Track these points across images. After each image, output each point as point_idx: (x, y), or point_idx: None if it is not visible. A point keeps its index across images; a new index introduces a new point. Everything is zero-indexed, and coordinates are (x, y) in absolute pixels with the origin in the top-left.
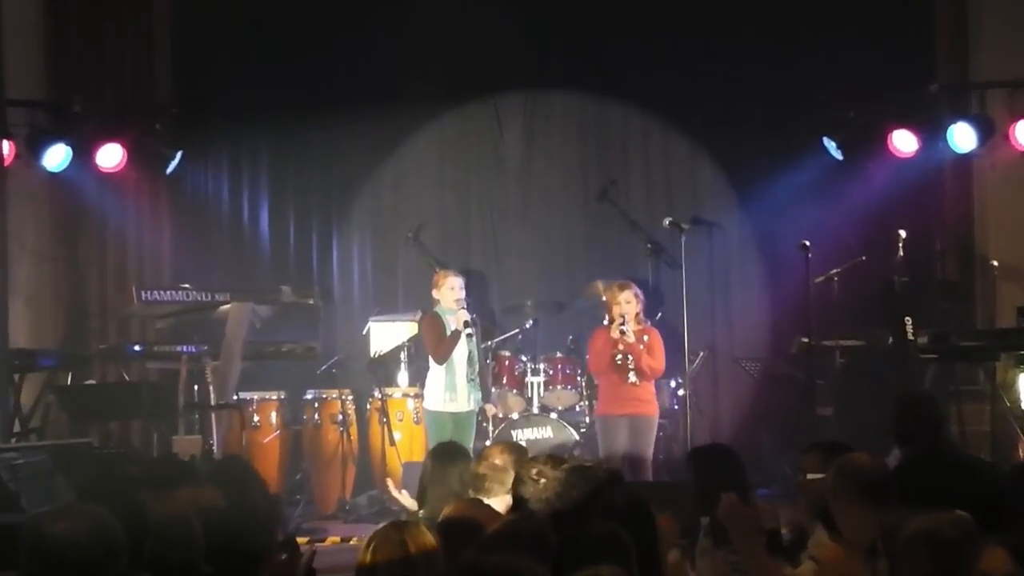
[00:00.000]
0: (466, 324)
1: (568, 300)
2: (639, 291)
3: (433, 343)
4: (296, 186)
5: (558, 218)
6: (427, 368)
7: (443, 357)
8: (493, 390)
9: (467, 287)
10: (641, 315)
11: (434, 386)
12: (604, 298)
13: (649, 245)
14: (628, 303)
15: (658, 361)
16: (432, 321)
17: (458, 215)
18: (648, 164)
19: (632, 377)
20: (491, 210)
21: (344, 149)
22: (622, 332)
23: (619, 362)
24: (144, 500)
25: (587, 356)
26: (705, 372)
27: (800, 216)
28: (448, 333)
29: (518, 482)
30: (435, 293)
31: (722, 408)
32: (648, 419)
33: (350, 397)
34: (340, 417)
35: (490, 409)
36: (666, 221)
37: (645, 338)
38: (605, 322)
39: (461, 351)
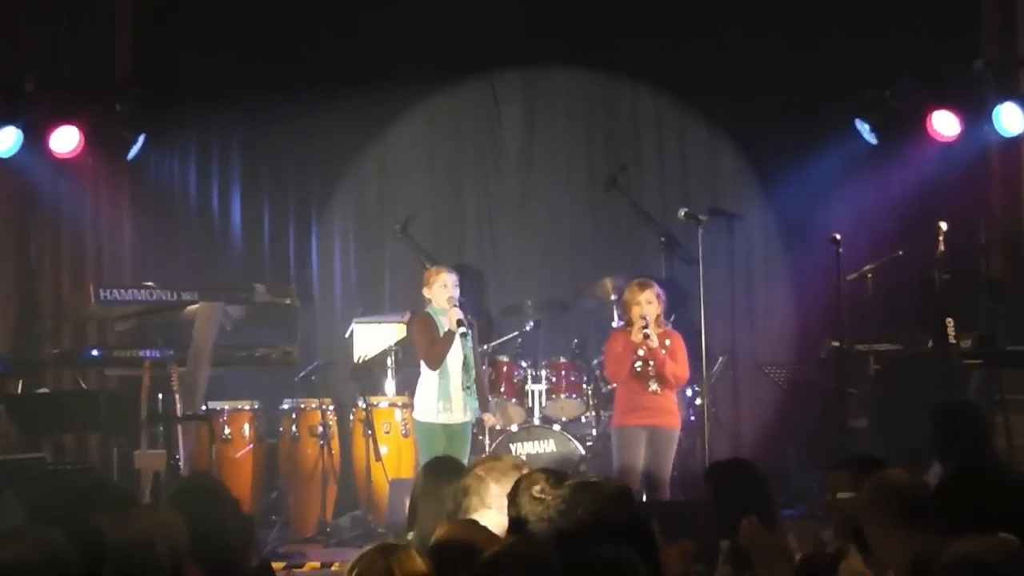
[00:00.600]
0: (460, 324)
1: (573, 300)
2: (661, 290)
3: (425, 346)
4: (272, 174)
5: (562, 209)
6: (417, 375)
7: (436, 362)
8: (491, 399)
9: (461, 285)
10: (662, 317)
11: (426, 394)
12: (614, 297)
13: (663, 239)
14: (650, 303)
15: (682, 368)
16: (424, 322)
17: (451, 205)
18: (661, 149)
19: (653, 385)
20: (488, 200)
21: (325, 133)
22: (646, 336)
23: (639, 369)
24: (102, 521)
25: (602, 360)
26: (725, 379)
27: (830, 207)
28: (441, 335)
29: (516, 501)
30: (426, 292)
31: (743, 419)
32: (670, 431)
33: (331, 407)
34: (320, 429)
35: (488, 419)
36: (681, 212)
37: (667, 342)
38: (615, 323)
39: (455, 355)
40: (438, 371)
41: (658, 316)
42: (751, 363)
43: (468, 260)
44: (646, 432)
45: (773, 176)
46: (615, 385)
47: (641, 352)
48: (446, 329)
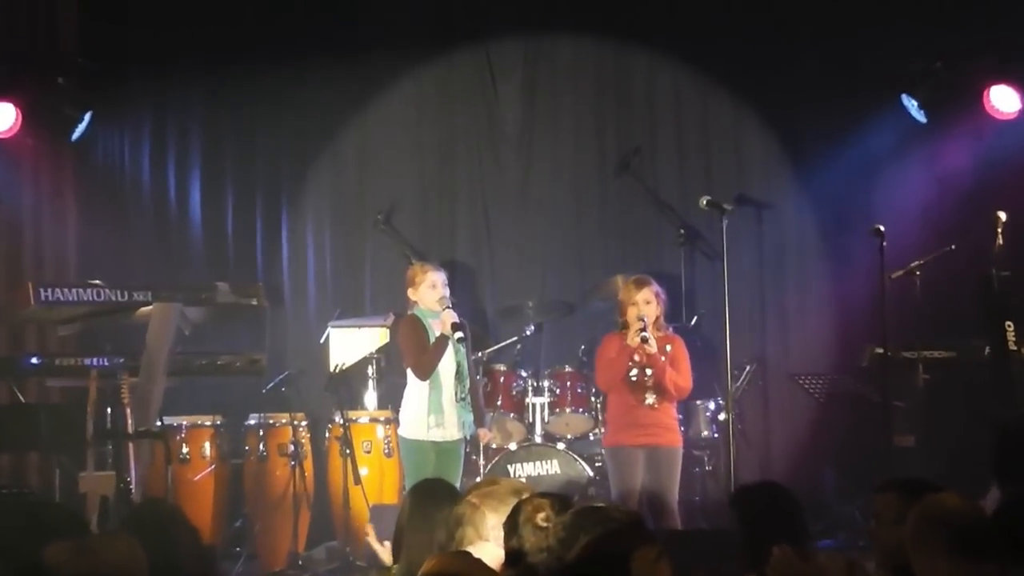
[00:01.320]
0: (455, 327)
1: (579, 300)
2: (660, 288)
3: (414, 352)
4: (236, 157)
5: (567, 197)
6: (403, 385)
7: (426, 371)
8: (488, 414)
9: (451, 284)
10: (662, 319)
11: (413, 408)
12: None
13: (682, 231)
14: (648, 303)
15: (684, 377)
16: (412, 325)
17: (440, 194)
18: (681, 129)
19: (650, 398)
20: (482, 187)
21: (297, 111)
22: (644, 340)
23: (635, 378)
24: (51, 555)
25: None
26: (753, 391)
27: (872, 194)
28: (432, 340)
29: (516, 530)
30: (410, 292)
31: (774, 436)
32: (671, 451)
33: (304, 423)
34: (291, 448)
35: (484, 436)
36: (703, 201)
37: (668, 348)
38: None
39: (448, 364)
40: (428, 381)
41: (657, 318)
42: (782, 372)
43: (460, 256)
44: (643, 452)
45: (808, 159)
46: (607, 396)
47: (638, 358)
48: (437, 333)
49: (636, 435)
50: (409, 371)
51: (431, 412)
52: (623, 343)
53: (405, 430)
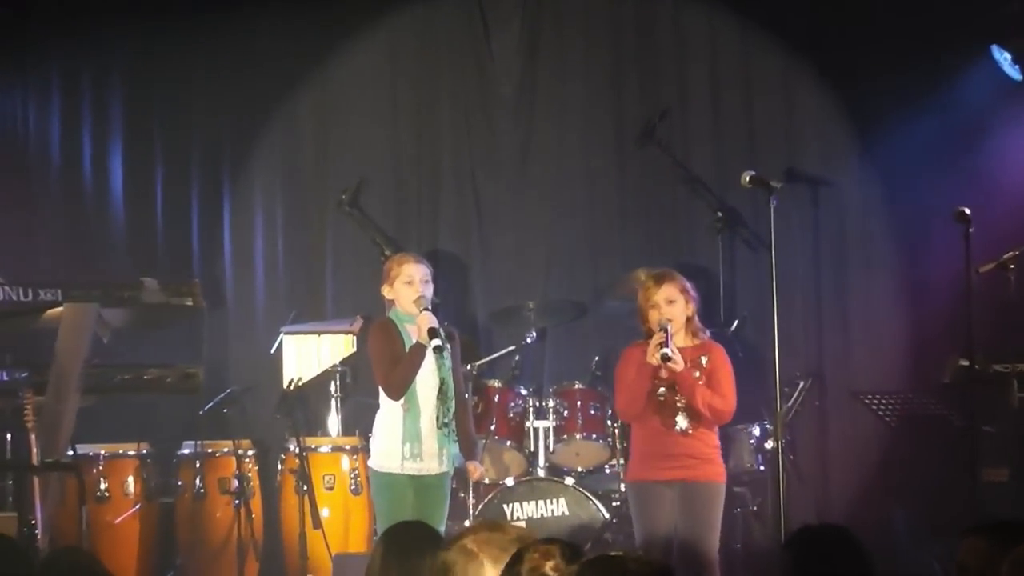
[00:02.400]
0: (433, 334)
1: (592, 300)
2: (687, 283)
3: (384, 366)
4: (167, 124)
5: (576, 173)
6: (374, 407)
7: (399, 388)
8: (479, 441)
9: (434, 280)
10: (696, 322)
11: (386, 434)
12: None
13: (719, 214)
14: (671, 303)
15: (725, 396)
16: (384, 331)
17: (420, 169)
18: (717, 88)
19: (682, 422)
20: (472, 160)
21: (243, 67)
22: (665, 358)
23: (662, 398)
24: None
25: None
26: (807, 413)
27: (955, 170)
28: (407, 349)
29: None
30: (385, 290)
31: (833, 469)
32: (709, 487)
33: (251, 452)
34: (235, 484)
35: (473, 471)
36: (746, 177)
37: (703, 360)
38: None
39: (428, 379)
40: (403, 400)
41: (688, 320)
42: (844, 390)
43: (443, 245)
44: (675, 489)
45: (875, 126)
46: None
47: (664, 375)
48: (414, 342)
49: (665, 468)
50: (380, 389)
51: (406, 440)
52: (643, 356)
53: (377, 461)
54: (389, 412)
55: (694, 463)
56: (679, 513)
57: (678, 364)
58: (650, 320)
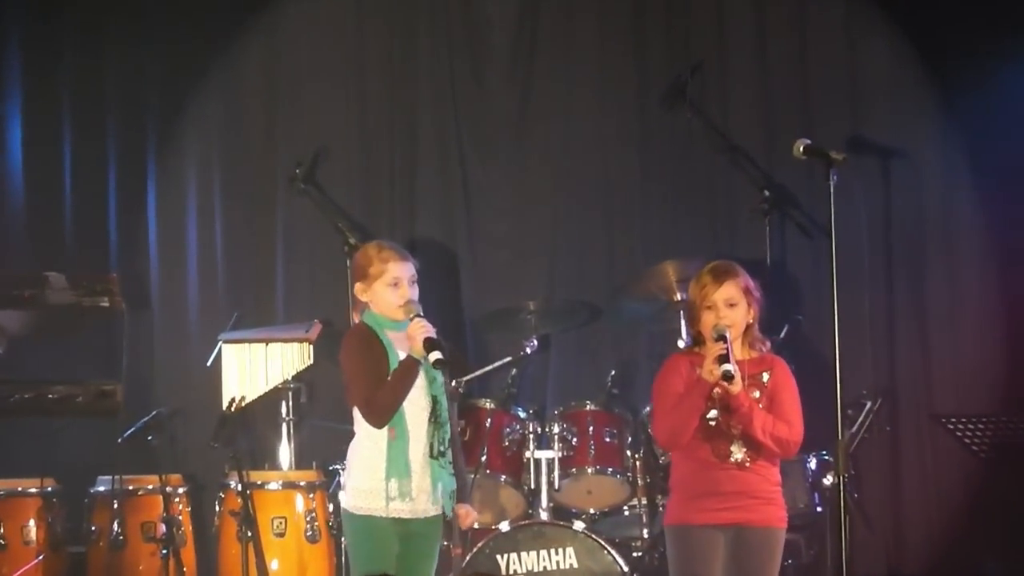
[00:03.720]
0: (432, 345)
1: (607, 301)
2: (752, 283)
3: (366, 384)
4: (78, 87)
5: (587, 143)
6: (339, 432)
7: (389, 411)
8: (469, 476)
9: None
10: (755, 331)
11: (366, 468)
12: (681, 296)
13: (765, 193)
14: (732, 307)
15: (791, 424)
16: (363, 340)
17: (393, 138)
18: (762, 35)
19: (738, 452)
20: (457, 127)
21: (171, 16)
22: (727, 376)
23: (713, 423)
24: None
25: (650, 409)
26: (876, 441)
27: None
28: (396, 364)
29: None
30: (360, 289)
31: (908, 509)
32: (769, 534)
33: (182, 490)
34: (162, 529)
35: (464, 516)
36: (800, 146)
37: (764, 377)
38: (681, 343)
39: (418, 398)
40: (391, 427)
41: (749, 328)
42: (922, 412)
43: (424, 231)
44: (727, 535)
45: (959, 84)
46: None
47: (717, 394)
48: (401, 355)
49: (716, 509)
50: (357, 413)
51: (392, 475)
52: (691, 369)
53: (354, 501)
54: (370, 440)
55: (752, 504)
56: (730, 565)
57: (737, 384)
58: (703, 324)
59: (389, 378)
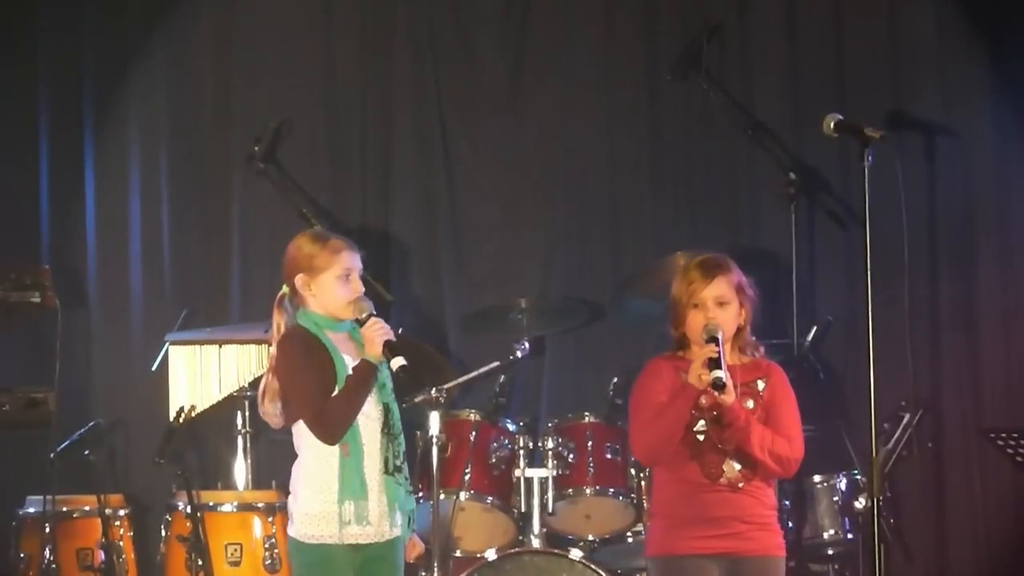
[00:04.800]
0: (389, 349)
1: (611, 299)
2: (744, 277)
3: (312, 395)
4: (1, 55)
5: (587, 117)
6: (293, 451)
7: (342, 426)
8: (449, 497)
9: (386, 268)
10: (747, 334)
11: (316, 491)
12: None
13: (791, 176)
14: (723, 305)
15: (791, 439)
16: (304, 344)
17: (365, 112)
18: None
19: (731, 472)
20: (440, 98)
21: None
22: (717, 385)
23: (702, 437)
24: None
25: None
26: (916, 459)
27: None
28: (344, 370)
29: None
30: (301, 282)
31: (952, 537)
32: (769, 564)
33: (123, 512)
34: (101, 556)
35: (412, 549)
36: (831, 122)
37: (758, 385)
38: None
39: (369, 408)
40: (343, 445)
41: (739, 331)
42: (968, 426)
43: (401, 219)
44: (721, 565)
45: (1017, 57)
46: (652, 469)
47: (704, 403)
48: (349, 361)
49: (706, 536)
50: (300, 428)
51: (347, 496)
52: (680, 379)
53: (303, 529)
54: (318, 459)
55: (746, 531)
56: None
57: (730, 394)
58: (688, 324)
59: (341, 387)
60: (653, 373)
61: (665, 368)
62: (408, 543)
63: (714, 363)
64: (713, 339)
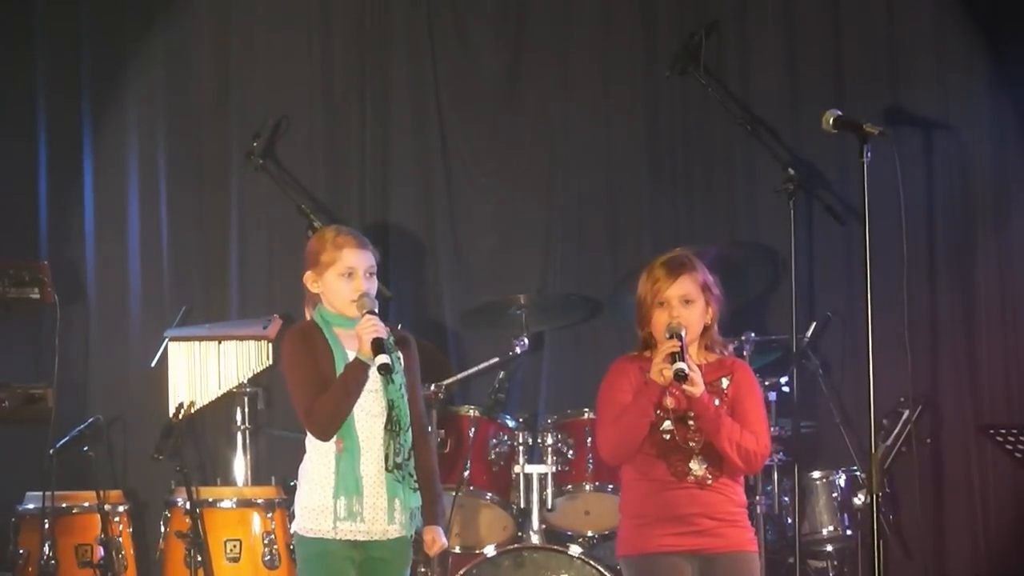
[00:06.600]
0: (377, 347)
1: (609, 294)
2: (709, 276)
3: (307, 391)
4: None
5: (587, 111)
6: (298, 444)
7: (331, 422)
8: (450, 494)
9: (384, 266)
10: (714, 332)
11: (314, 485)
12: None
13: (790, 171)
14: (688, 303)
15: (757, 434)
16: (304, 340)
17: (364, 106)
18: None
19: (698, 469)
20: (438, 93)
21: None
22: (680, 377)
23: (668, 436)
24: None
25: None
26: (915, 455)
27: None
28: (343, 367)
29: None
30: (310, 279)
31: (952, 534)
32: (742, 560)
33: (122, 508)
34: (100, 553)
35: (431, 542)
36: (830, 118)
37: (723, 383)
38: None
39: (370, 404)
40: (338, 440)
41: (706, 329)
42: (968, 422)
43: (399, 214)
44: (694, 563)
45: (1017, 52)
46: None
47: (671, 403)
48: (351, 357)
49: (675, 533)
50: (303, 421)
51: (341, 492)
52: (645, 376)
53: (302, 523)
54: (317, 454)
55: (715, 527)
56: None
57: (697, 386)
58: (654, 324)
59: (333, 386)
60: (618, 372)
61: (630, 368)
62: (428, 536)
63: (675, 357)
64: (675, 335)
